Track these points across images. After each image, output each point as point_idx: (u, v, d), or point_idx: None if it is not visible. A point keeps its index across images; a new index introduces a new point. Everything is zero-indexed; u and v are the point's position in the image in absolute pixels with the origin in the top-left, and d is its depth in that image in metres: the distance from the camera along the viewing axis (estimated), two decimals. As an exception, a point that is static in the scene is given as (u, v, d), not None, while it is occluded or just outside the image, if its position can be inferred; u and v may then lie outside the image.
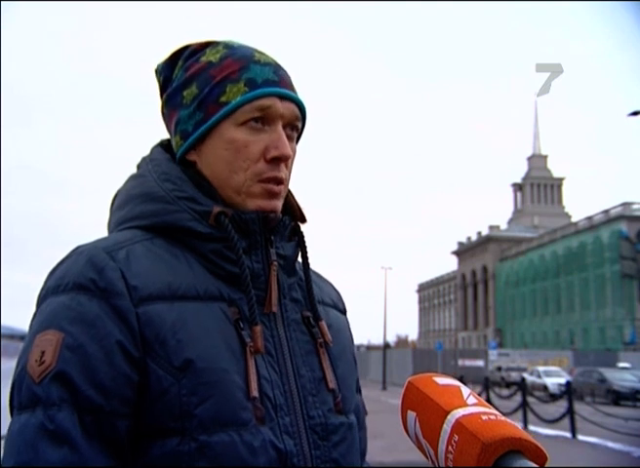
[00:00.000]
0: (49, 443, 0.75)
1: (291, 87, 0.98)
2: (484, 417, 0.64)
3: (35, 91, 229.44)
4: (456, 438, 0.64)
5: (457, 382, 0.72)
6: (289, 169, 0.98)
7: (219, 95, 0.94)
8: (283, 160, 0.94)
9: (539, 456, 0.62)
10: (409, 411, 0.71)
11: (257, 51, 0.99)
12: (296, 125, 0.98)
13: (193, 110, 0.95)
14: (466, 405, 0.66)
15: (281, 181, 0.95)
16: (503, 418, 0.65)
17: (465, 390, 0.70)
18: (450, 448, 0.64)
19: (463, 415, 0.65)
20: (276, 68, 0.97)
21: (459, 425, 0.64)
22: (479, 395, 0.70)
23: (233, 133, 0.93)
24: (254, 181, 0.93)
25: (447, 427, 0.65)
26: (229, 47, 0.99)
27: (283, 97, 0.95)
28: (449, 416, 0.66)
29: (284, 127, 0.96)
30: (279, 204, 0.96)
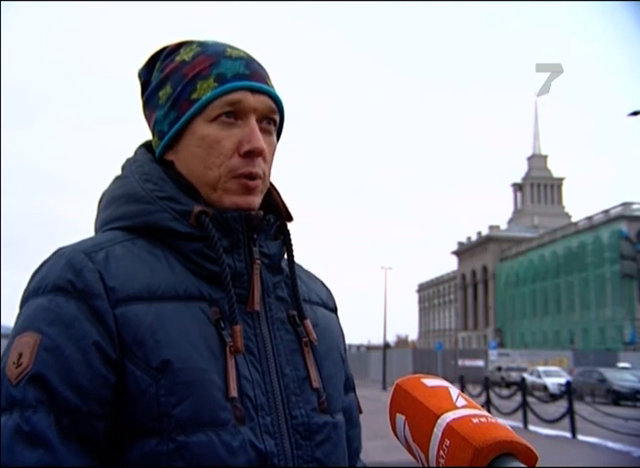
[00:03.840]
0: (24, 444, 0.75)
1: (264, 80, 0.96)
2: (475, 420, 0.64)
3: (35, 90, 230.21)
4: (447, 442, 0.64)
5: (445, 383, 0.71)
6: (268, 164, 0.96)
7: (190, 92, 0.94)
8: (257, 154, 0.93)
9: (529, 457, 0.62)
10: (398, 415, 0.71)
11: (229, 46, 0.99)
12: (272, 118, 0.96)
13: (167, 110, 0.96)
14: (456, 407, 0.66)
15: (256, 177, 0.93)
16: (494, 420, 0.64)
17: (454, 391, 0.69)
18: (441, 452, 0.64)
19: (454, 419, 0.64)
20: (248, 62, 0.96)
21: (450, 429, 0.64)
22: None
23: (205, 129, 0.93)
24: (228, 178, 0.92)
25: (438, 431, 0.65)
26: (203, 45, 0.98)
27: (255, 91, 0.94)
28: (439, 420, 0.65)
29: (259, 120, 0.94)
30: (256, 200, 0.95)
